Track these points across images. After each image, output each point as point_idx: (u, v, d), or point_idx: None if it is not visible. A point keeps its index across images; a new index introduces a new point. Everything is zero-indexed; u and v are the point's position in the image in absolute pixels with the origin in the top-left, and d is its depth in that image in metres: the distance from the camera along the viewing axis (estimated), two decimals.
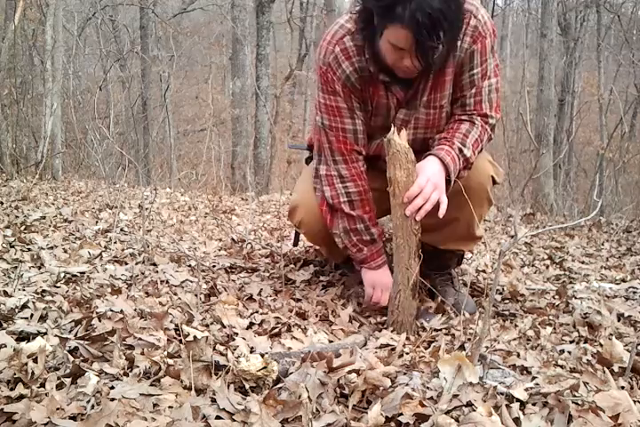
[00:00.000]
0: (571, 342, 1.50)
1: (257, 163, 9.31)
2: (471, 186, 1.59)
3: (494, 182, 1.75)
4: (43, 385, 1.05)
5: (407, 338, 1.44)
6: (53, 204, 3.87)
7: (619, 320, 1.68)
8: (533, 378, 1.17)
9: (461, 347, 1.39)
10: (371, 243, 1.68)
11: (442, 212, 1.48)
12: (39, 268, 1.95)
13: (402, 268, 1.49)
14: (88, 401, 0.99)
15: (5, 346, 1.18)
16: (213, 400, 1.03)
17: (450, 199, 1.51)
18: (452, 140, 1.58)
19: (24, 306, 1.47)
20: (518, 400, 1.04)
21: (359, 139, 1.68)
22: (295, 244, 2.27)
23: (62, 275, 1.83)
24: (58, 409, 0.96)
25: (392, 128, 1.47)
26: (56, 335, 1.25)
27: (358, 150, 1.69)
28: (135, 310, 1.48)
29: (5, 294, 1.58)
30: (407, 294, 1.50)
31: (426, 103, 1.64)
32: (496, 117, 1.67)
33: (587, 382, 1.12)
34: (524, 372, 1.24)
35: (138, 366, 1.13)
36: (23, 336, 1.28)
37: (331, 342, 1.42)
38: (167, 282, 1.85)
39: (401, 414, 0.99)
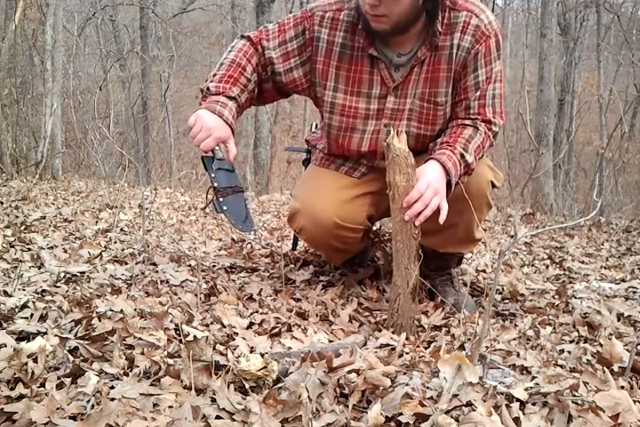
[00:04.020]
0: (570, 341, 1.50)
1: (257, 163, 9.32)
2: (470, 191, 1.59)
3: (493, 186, 1.75)
4: (43, 385, 1.05)
5: (407, 338, 1.44)
6: (53, 204, 3.87)
7: (618, 320, 1.68)
8: (533, 378, 1.17)
9: (461, 347, 1.39)
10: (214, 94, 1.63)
11: (442, 217, 1.48)
12: (39, 268, 1.95)
13: (401, 271, 1.48)
14: (88, 401, 0.99)
15: (5, 346, 1.18)
16: (213, 400, 1.02)
17: (449, 204, 1.50)
18: (454, 145, 1.57)
19: (24, 306, 1.47)
20: (518, 400, 1.04)
21: (272, 62, 1.68)
22: (294, 247, 2.27)
23: (62, 275, 1.83)
24: (58, 409, 0.96)
25: (391, 132, 1.47)
26: (56, 335, 1.25)
27: (260, 60, 1.69)
28: (135, 309, 1.48)
29: (5, 293, 1.58)
30: (407, 297, 1.49)
31: (420, 95, 1.65)
32: (500, 124, 1.66)
33: (587, 382, 1.12)
34: (524, 372, 1.24)
35: (138, 366, 1.13)
36: (23, 336, 1.28)
37: (331, 341, 1.42)
38: (167, 282, 1.85)
39: (401, 413, 0.99)
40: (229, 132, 1.59)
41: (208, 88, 1.63)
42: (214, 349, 1.20)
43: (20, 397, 1.00)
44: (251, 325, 1.49)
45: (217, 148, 1.58)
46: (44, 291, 1.66)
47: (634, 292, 2.08)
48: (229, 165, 1.61)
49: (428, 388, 1.08)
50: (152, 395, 1.02)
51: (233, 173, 1.62)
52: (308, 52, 1.67)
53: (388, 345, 1.38)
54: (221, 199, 1.59)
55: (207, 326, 1.43)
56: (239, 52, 1.68)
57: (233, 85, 1.63)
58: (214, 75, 1.65)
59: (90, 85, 11.66)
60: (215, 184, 1.58)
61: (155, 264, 2.07)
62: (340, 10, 1.65)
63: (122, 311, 1.43)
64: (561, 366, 1.27)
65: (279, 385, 1.09)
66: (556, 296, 1.95)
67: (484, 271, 2.30)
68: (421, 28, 1.60)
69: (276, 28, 1.70)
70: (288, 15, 1.74)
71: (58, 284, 1.75)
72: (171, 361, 1.12)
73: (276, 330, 1.46)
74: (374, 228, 2.17)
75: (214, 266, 2.11)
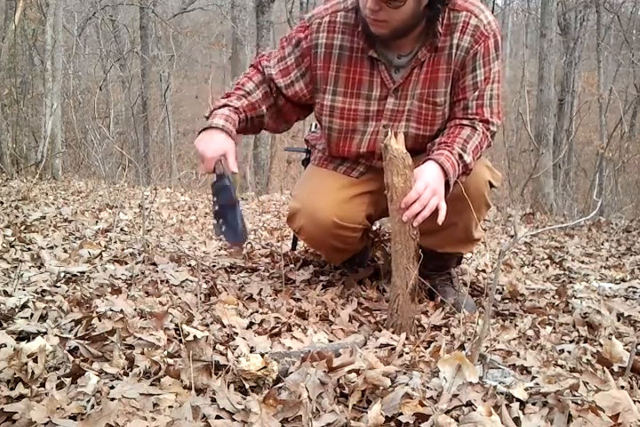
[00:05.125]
0: (570, 341, 1.50)
1: (257, 162, 9.32)
2: (469, 191, 1.59)
3: (492, 186, 1.75)
4: (43, 385, 1.05)
5: (407, 338, 1.44)
6: (53, 203, 3.87)
7: (618, 320, 1.68)
8: (533, 378, 1.17)
9: (461, 347, 1.39)
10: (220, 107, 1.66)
11: (441, 218, 1.48)
12: (39, 267, 1.95)
13: (400, 271, 1.48)
14: (88, 401, 0.99)
15: (5, 346, 1.18)
16: (213, 400, 1.02)
17: (447, 204, 1.50)
18: (453, 146, 1.57)
19: (24, 306, 1.47)
20: (518, 400, 1.04)
21: (272, 78, 1.71)
22: (294, 247, 2.27)
23: (62, 275, 1.83)
24: (58, 409, 0.96)
25: (389, 133, 1.47)
26: (56, 335, 1.25)
27: (265, 80, 1.72)
28: (135, 309, 1.48)
29: (5, 293, 1.58)
30: (406, 297, 1.49)
31: (419, 96, 1.65)
32: (497, 124, 1.66)
33: (587, 382, 1.12)
34: (524, 371, 1.24)
35: (138, 366, 1.13)
36: (23, 336, 1.28)
37: (331, 341, 1.42)
38: (167, 282, 1.85)
39: (401, 413, 0.99)
40: (222, 143, 1.60)
41: (205, 116, 1.69)
42: (214, 349, 1.20)
43: (20, 397, 1.00)
44: (251, 325, 1.49)
45: (216, 166, 1.62)
46: (44, 291, 1.66)
47: (634, 292, 2.08)
48: (227, 179, 1.64)
49: (427, 388, 1.08)
50: (152, 395, 1.02)
51: (228, 187, 1.65)
52: (307, 62, 1.68)
53: (388, 345, 1.38)
54: (221, 220, 1.66)
55: (207, 326, 1.43)
56: (242, 75, 1.77)
57: (225, 98, 1.68)
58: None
59: (90, 85, 11.67)
60: (216, 207, 1.64)
61: (155, 264, 2.07)
62: (336, 11, 1.66)
63: (122, 311, 1.43)
64: (561, 366, 1.27)
65: (279, 385, 1.09)
66: (556, 296, 1.95)
67: (483, 271, 2.30)
68: (421, 30, 1.59)
69: (278, 47, 1.75)
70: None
71: (58, 284, 1.75)
72: (171, 361, 1.12)
73: (276, 330, 1.46)
74: (374, 228, 2.17)
75: (214, 266, 2.11)
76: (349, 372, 1.12)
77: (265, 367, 1.10)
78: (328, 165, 1.83)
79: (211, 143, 1.59)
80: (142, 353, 1.18)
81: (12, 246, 2.23)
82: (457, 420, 0.97)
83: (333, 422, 0.99)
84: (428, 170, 1.50)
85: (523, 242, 3.29)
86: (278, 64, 1.71)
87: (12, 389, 1.03)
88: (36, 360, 1.09)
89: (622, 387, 1.12)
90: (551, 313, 1.75)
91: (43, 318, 1.42)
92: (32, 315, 1.42)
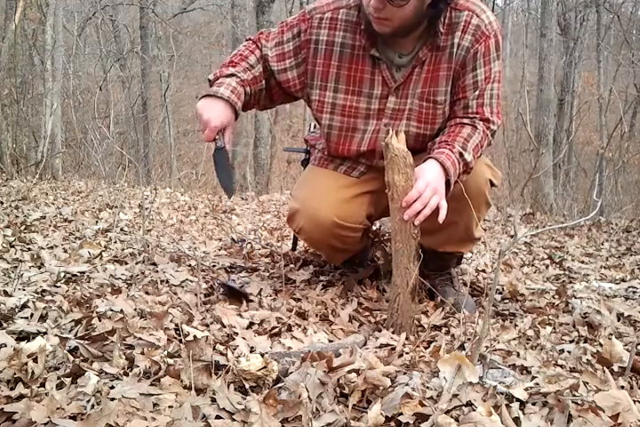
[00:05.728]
0: (570, 341, 1.50)
1: (257, 162, 9.32)
2: (469, 190, 1.59)
3: (492, 185, 1.75)
4: (43, 385, 1.05)
5: (407, 338, 1.44)
6: (53, 203, 3.87)
7: (618, 320, 1.68)
8: (533, 378, 1.17)
9: (461, 347, 1.39)
10: (227, 76, 1.64)
11: (442, 216, 1.48)
12: (39, 267, 1.95)
13: (401, 271, 1.48)
14: (88, 401, 0.99)
15: (5, 346, 1.18)
16: (213, 400, 1.03)
17: (448, 203, 1.50)
18: (453, 144, 1.57)
19: (24, 306, 1.47)
20: (518, 400, 1.04)
21: (267, 60, 1.70)
22: (294, 248, 2.27)
23: (62, 274, 1.83)
24: (58, 409, 0.96)
25: (390, 132, 1.47)
26: (56, 335, 1.25)
27: (259, 60, 1.70)
28: (135, 309, 1.48)
29: (5, 293, 1.58)
30: (406, 297, 1.49)
31: (420, 95, 1.65)
32: (497, 123, 1.67)
33: (587, 382, 1.12)
34: (524, 371, 1.24)
35: (138, 366, 1.13)
36: (23, 336, 1.28)
37: (331, 341, 1.42)
38: (167, 282, 1.85)
39: (401, 413, 0.99)
40: (226, 115, 1.59)
41: (209, 79, 1.66)
42: (214, 349, 1.20)
43: (20, 397, 1.00)
44: (251, 325, 1.49)
45: (217, 137, 1.61)
46: (44, 291, 1.66)
47: (634, 292, 2.08)
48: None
49: (428, 388, 1.08)
50: (152, 395, 1.02)
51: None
52: (304, 55, 1.67)
53: (388, 345, 1.38)
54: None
55: (207, 326, 1.43)
56: (242, 46, 1.73)
57: (232, 67, 1.65)
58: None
59: (90, 85, 11.67)
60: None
61: (155, 264, 2.07)
62: (338, 8, 1.65)
63: (122, 311, 1.43)
64: (561, 366, 1.27)
65: (279, 385, 1.09)
66: (556, 296, 1.95)
67: (483, 271, 2.30)
68: (423, 29, 1.59)
69: (277, 29, 1.72)
70: (288, 17, 1.75)
71: (58, 284, 1.75)
72: (171, 361, 1.12)
73: (276, 330, 1.46)
74: (374, 227, 2.17)
75: (214, 266, 2.11)
76: (349, 372, 1.12)
77: (265, 367, 1.10)
78: (328, 165, 1.83)
79: (216, 112, 1.58)
80: (142, 353, 1.18)
81: (12, 246, 2.23)
82: (457, 420, 0.97)
83: (333, 423, 0.99)
84: (429, 169, 1.50)
85: (523, 242, 3.29)
86: (276, 48, 1.70)
87: (11, 389, 1.03)
88: (36, 360, 1.09)
89: (622, 387, 1.12)
90: (551, 313, 1.75)
91: (43, 318, 1.42)
92: (32, 315, 1.42)
